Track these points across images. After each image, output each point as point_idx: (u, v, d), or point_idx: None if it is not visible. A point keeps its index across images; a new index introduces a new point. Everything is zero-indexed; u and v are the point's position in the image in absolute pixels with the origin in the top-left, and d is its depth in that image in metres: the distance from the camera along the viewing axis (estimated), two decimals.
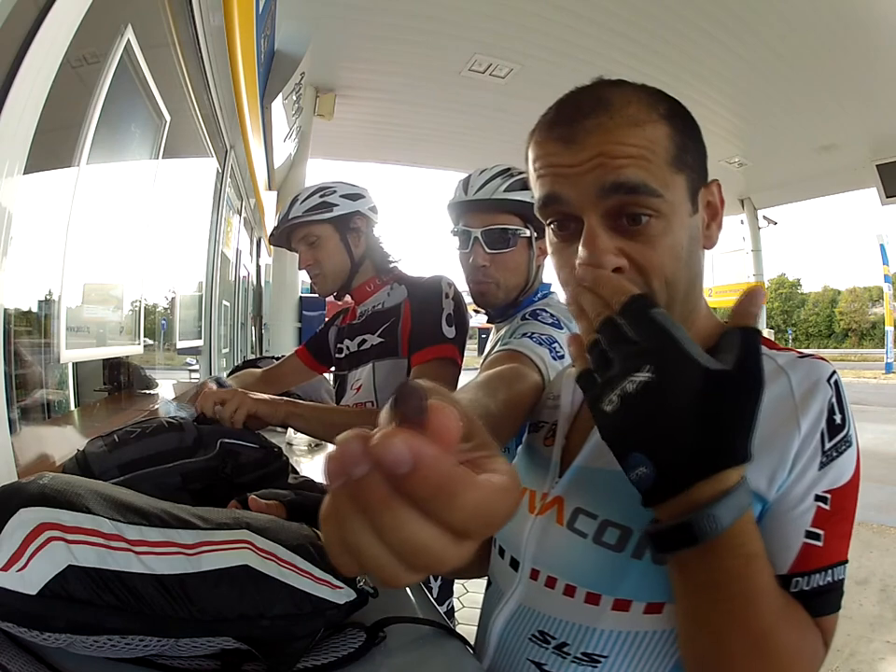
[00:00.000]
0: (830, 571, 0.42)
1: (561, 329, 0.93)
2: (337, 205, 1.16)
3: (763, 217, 9.05)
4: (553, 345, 0.86)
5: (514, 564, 0.54)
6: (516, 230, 1.03)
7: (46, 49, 0.72)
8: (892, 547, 3.15)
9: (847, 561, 0.43)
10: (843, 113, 5.16)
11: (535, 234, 1.05)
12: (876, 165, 6.07)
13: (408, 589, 0.65)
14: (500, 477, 0.21)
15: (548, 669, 0.48)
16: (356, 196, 1.20)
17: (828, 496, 0.43)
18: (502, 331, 1.06)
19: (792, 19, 3.95)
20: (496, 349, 0.88)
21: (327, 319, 1.41)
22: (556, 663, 0.48)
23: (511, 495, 0.21)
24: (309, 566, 0.49)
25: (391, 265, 1.21)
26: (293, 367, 1.38)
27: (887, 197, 6.15)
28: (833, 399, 0.44)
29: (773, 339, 0.54)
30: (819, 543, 0.42)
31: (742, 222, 9.36)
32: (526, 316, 0.97)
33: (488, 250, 1.03)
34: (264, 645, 0.46)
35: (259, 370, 1.42)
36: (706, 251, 0.52)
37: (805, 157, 6.23)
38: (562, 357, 0.86)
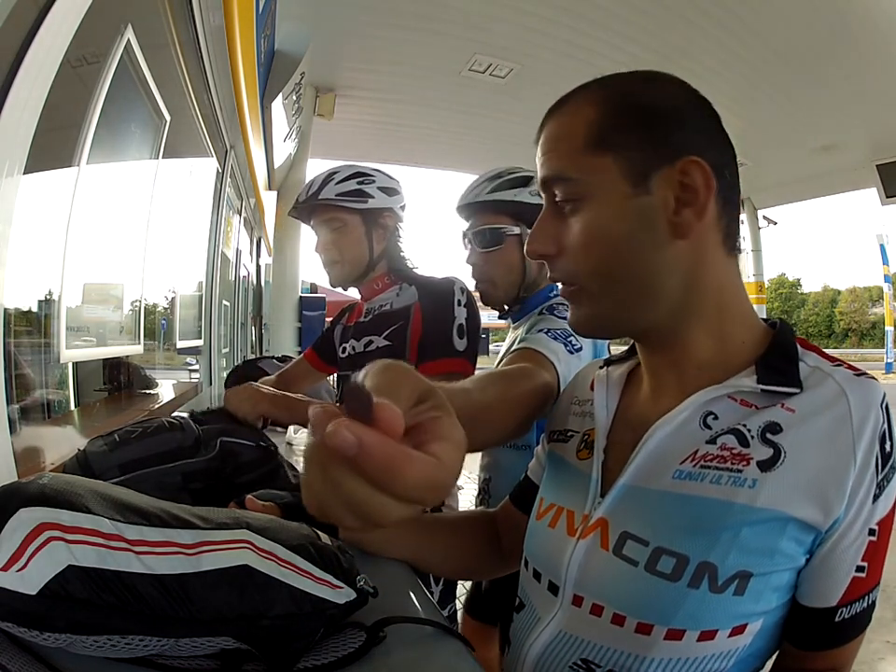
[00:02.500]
0: (868, 596, 0.43)
1: None
2: (373, 197, 1.12)
3: (763, 217, 9.04)
4: (570, 339, 0.86)
5: (553, 588, 0.51)
6: (502, 228, 1.05)
7: (46, 48, 0.72)
8: (892, 547, 3.15)
9: (880, 580, 0.44)
10: (843, 113, 5.15)
11: (526, 231, 1.05)
12: (876, 165, 6.07)
13: (409, 589, 0.65)
14: (441, 448, 0.25)
15: None
16: (392, 191, 1.16)
17: (877, 527, 0.42)
18: (519, 330, 1.06)
19: (793, 19, 3.94)
20: (512, 348, 0.88)
21: (329, 319, 1.39)
22: None
23: (450, 466, 0.25)
24: (309, 565, 0.49)
25: (405, 267, 1.18)
26: (303, 370, 1.37)
27: (887, 197, 6.14)
28: (885, 426, 0.43)
29: None
30: (864, 575, 0.42)
31: (742, 222, 9.31)
32: (543, 311, 0.97)
33: (479, 249, 1.07)
34: (264, 645, 0.46)
35: (273, 377, 1.38)
36: (688, 242, 0.46)
37: (805, 157, 6.23)
38: (579, 349, 0.86)
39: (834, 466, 0.41)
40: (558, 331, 0.87)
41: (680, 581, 0.43)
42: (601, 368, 0.59)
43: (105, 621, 0.42)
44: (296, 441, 1.58)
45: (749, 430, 0.44)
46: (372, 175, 1.13)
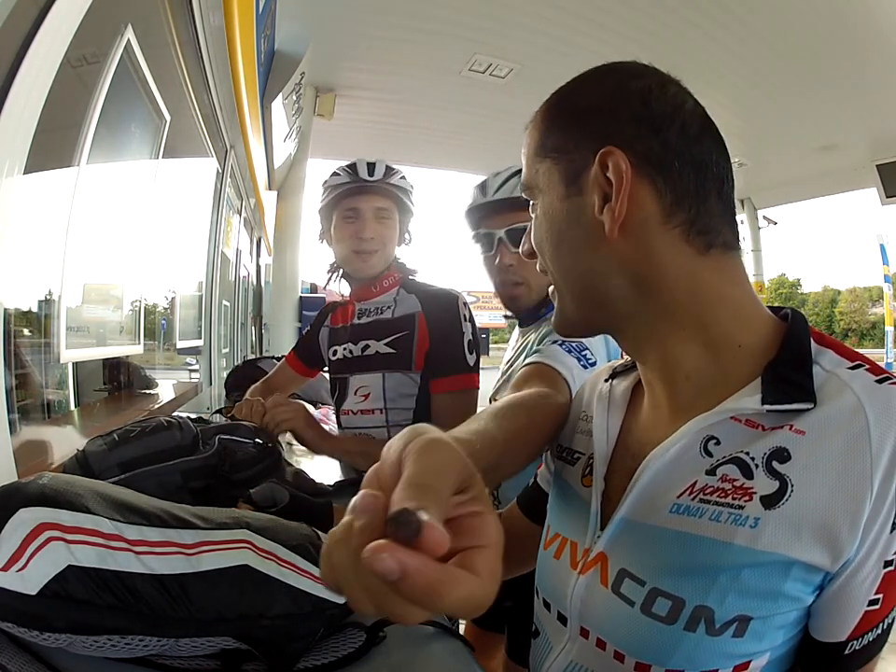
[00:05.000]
0: (881, 624, 0.39)
1: None
2: (413, 204, 1.17)
3: (763, 217, 9.04)
4: (584, 353, 0.85)
5: (562, 618, 0.50)
6: None
7: (46, 49, 0.72)
8: None
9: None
10: (843, 113, 5.15)
11: None
12: (876, 165, 6.06)
13: None
14: (483, 560, 0.25)
15: None
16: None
17: (894, 557, 0.37)
18: (529, 336, 1.04)
19: (793, 19, 3.94)
20: (525, 361, 0.85)
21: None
22: None
23: (491, 582, 0.24)
24: (309, 565, 0.49)
25: (404, 271, 1.19)
26: (288, 376, 1.36)
27: (887, 197, 6.14)
28: None
29: None
30: (878, 607, 0.38)
31: (742, 222, 9.33)
32: None
33: (513, 249, 1.00)
34: (264, 645, 0.46)
35: (261, 383, 1.38)
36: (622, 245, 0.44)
37: (805, 157, 6.23)
38: (593, 364, 0.84)
39: (848, 499, 0.36)
40: (573, 344, 0.85)
41: (676, 625, 0.40)
42: (606, 381, 0.56)
43: (105, 621, 0.42)
44: (296, 442, 1.58)
45: (752, 459, 0.39)
46: (411, 185, 1.18)
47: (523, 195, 0.52)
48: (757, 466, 0.39)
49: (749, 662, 0.40)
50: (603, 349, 0.91)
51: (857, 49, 4.22)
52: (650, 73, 0.46)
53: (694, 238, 0.43)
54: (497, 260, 1.03)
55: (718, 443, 0.42)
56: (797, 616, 0.39)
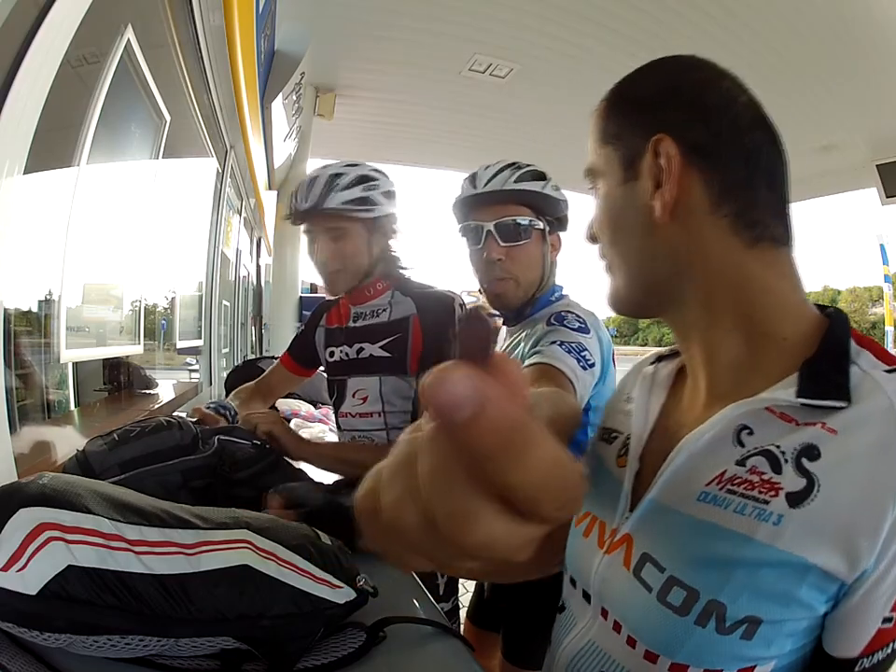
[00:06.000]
0: (892, 643, 0.37)
1: (588, 333, 0.90)
2: (378, 205, 1.06)
3: None
4: (583, 353, 0.84)
5: (587, 596, 0.50)
6: (530, 221, 1.00)
7: (46, 48, 0.72)
8: None
9: None
10: (843, 113, 5.15)
11: (547, 227, 1.02)
12: (876, 165, 6.06)
13: (409, 589, 0.65)
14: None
15: None
16: (393, 194, 1.09)
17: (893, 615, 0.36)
18: (520, 336, 1.02)
19: (793, 19, 3.94)
20: (528, 362, 0.84)
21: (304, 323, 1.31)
22: None
23: (579, 466, 0.17)
24: (309, 565, 0.49)
25: (397, 272, 1.14)
26: (282, 377, 1.33)
27: (887, 197, 6.13)
28: None
29: None
30: (891, 625, 0.37)
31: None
32: (552, 321, 0.93)
33: (502, 243, 0.99)
34: (264, 645, 0.46)
35: (252, 384, 1.34)
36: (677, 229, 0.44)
37: (805, 157, 6.22)
38: (592, 365, 0.83)
39: (871, 506, 0.35)
40: (573, 345, 0.84)
41: (688, 617, 0.40)
42: (651, 364, 0.56)
43: (105, 621, 0.42)
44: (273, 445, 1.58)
45: (783, 453, 0.39)
46: (376, 179, 1.07)
47: (586, 179, 0.53)
48: (787, 460, 0.38)
49: (755, 667, 0.39)
50: (598, 352, 0.90)
51: (857, 49, 4.22)
52: (706, 66, 0.47)
53: (742, 230, 0.44)
54: (485, 254, 1.00)
55: (751, 433, 0.41)
56: (808, 626, 0.39)
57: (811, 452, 0.38)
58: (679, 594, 0.41)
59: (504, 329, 1.15)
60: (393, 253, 1.14)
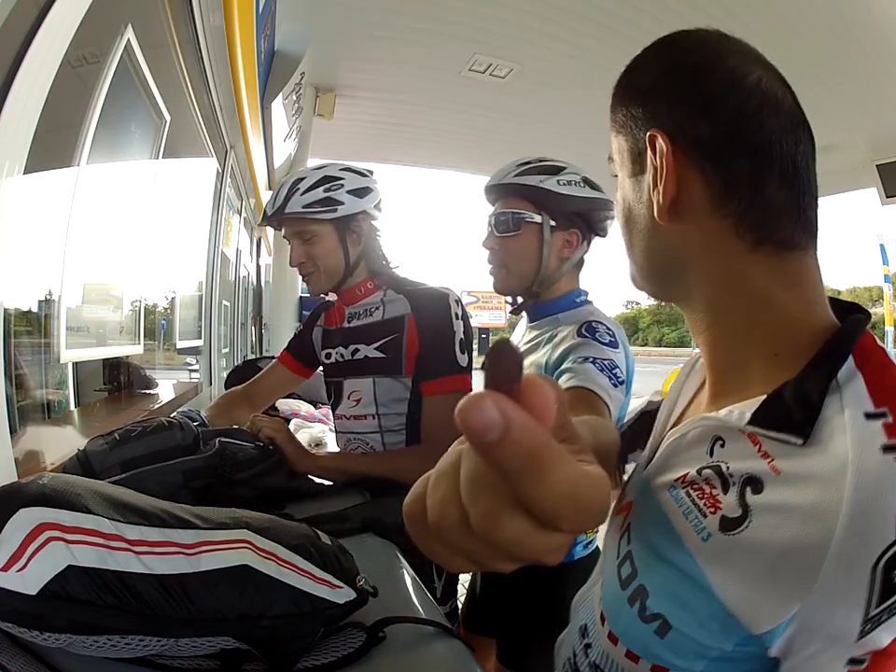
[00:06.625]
0: None
1: (617, 348, 0.91)
2: (342, 203, 1.06)
3: None
4: (614, 371, 0.84)
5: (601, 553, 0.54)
6: (522, 214, 1.02)
7: (46, 48, 0.72)
8: None
9: None
10: (843, 113, 5.15)
11: (551, 222, 1.03)
12: (876, 165, 6.05)
13: (409, 589, 0.65)
14: (598, 470, 0.19)
15: (576, 662, 0.49)
16: (364, 191, 1.09)
17: (866, 657, 0.31)
18: (542, 336, 1.03)
19: (792, 19, 3.94)
20: (563, 384, 0.82)
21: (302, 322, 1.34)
22: (581, 658, 0.48)
23: (605, 488, 0.18)
24: (309, 565, 0.49)
25: (386, 269, 1.14)
26: (278, 379, 1.31)
27: (887, 197, 6.12)
28: None
29: None
30: None
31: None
32: (583, 332, 0.93)
33: (497, 234, 1.04)
34: (264, 645, 0.46)
35: (239, 391, 1.32)
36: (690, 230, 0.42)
37: None
38: (622, 382, 0.84)
39: (790, 569, 0.31)
40: (605, 362, 0.85)
41: (625, 592, 0.42)
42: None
43: (105, 621, 0.42)
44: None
45: (731, 476, 0.36)
46: (341, 179, 1.07)
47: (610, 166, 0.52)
48: (734, 484, 0.36)
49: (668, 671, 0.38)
50: (626, 368, 0.91)
51: (857, 49, 4.22)
52: (709, 44, 0.44)
53: (745, 232, 0.40)
54: (483, 243, 1.06)
55: (723, 446, 0.39)
56: (719, 657, 0.36)
57: (756, 484, 0.35)
58: (627, 569, 0.43)
59: (523, 322, 1.15)
60: (377, 251, 1.13)
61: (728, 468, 0.37)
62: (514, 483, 0.17)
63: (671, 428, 0.49)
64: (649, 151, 0.42)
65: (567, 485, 0.17)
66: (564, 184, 1.03)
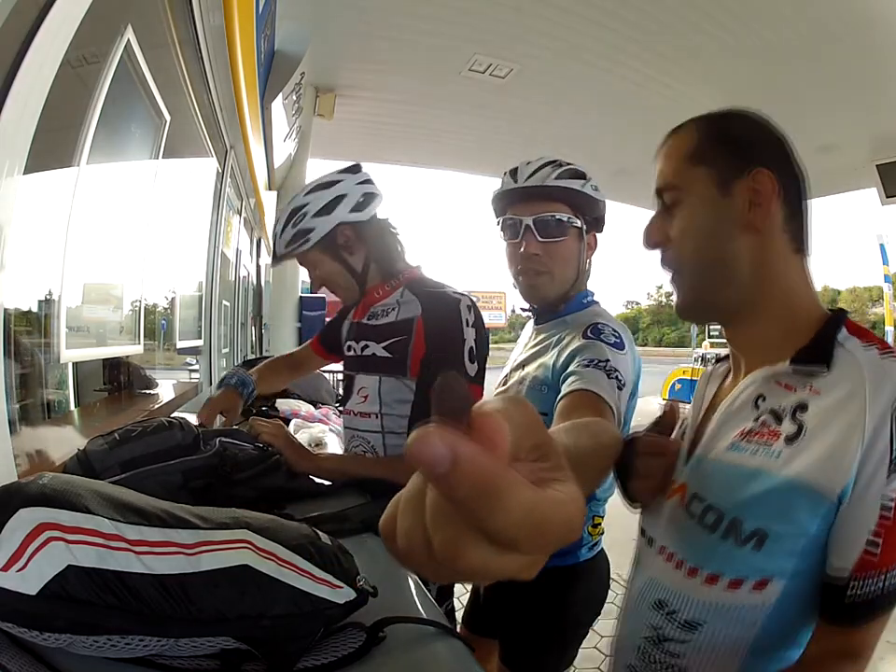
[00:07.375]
0: (882, 576, 0.46)
1: (623, 349, 0.91)
2: (312, 229, 1.06)
3: None
4: (618, 373, 0.84)
5: (651, 541, 0.65)
6: (568, 218, 1.01)
7: (46, 48, 0.72)
8: None
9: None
10: (843, 113, 5.15)
11: (585, 226, 1.02)
12: (876, 165, 6.06)
13: (409, 589, 0.65)
14: (560, 492, 0.19)
15: (662, 633, 0.59)
16: (331, 207, 1.07)
17: (893, 504, 0.46)
18: (549, 339, 1.03)
19: (793, 19, 3.94)
20: (566, 388, 0.83)
21: (328, 319, 1.39)
22: (668, 627, 0.59)
23: (566, 508, 0.19)
24: (309, 565, 0.49)
25: (403, 268, 1.13)
26: (308, 355, 1.44)
27: (887, 197, 6.13)
28: None
29: None
30: (877, 551, 0.46)
31: None
32: (589, 334, 0.93)
33: (540, 238, 1.00)
34: (264, 645, 0.46)
35: (282, 357, 1.52)
36: (769, 240, 0.58)
37: (805, 157, 6.21)
38: (624, 385, 0.84)
39: (844, 442, 0.47)
40: (609, 364, 0.85)
41: (716, 533, 0.54)
42: (713, 364, 0.73)
43: (105, 621, 0.42)
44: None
45: (783, 410, 0.54)
46: (304, 205, 1.07)
47: (661, 193, 0.63)
48: (786, 415, 0.53)
49: (767, 582, 0.52)
50: (631, 369, 0.91)
51: (857, 50, 4.22)
52: (773, 124, 0.62)
53: (791, 242, 0.59)
54: (523, 248, 1.01)
55: (764, 399, 0.57)
56: (804, 546, 0.50)
57: (802, 407, 0.53)
58: (712, 516, 0.55)
59: (530, 324, 1.14)
60: (386, 252, 1.13)
61: (780, 406, 0.54)
62: (468, 513, 0.17)
63: (700, 422, 0.65)
64: (746, 181, 0.57)
65: (520, 511, 0.17)
66: (594, 188, 1.03)
